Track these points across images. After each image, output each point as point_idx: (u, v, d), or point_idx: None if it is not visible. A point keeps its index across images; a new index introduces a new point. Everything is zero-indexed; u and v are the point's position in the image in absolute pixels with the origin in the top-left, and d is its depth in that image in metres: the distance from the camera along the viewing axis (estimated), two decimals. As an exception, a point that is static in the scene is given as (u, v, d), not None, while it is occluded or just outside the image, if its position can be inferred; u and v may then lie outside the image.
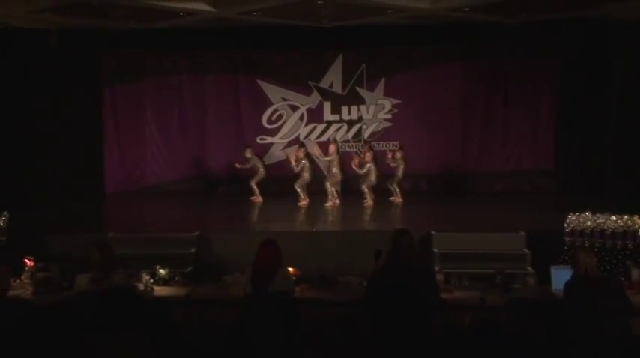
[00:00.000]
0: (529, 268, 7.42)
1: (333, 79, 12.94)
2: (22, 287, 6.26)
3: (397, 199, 11.46)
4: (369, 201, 11.04)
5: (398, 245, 5.10)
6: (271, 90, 13.02)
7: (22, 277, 6.44)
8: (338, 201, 11.08)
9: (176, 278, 6.59)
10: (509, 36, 11.72)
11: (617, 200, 9.27)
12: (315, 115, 13.01)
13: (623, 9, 10.15)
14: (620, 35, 11.01)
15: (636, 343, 4.62)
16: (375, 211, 10.72)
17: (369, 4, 9.92)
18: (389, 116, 12.95)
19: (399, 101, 12.90)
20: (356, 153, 12.11)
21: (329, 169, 11.27)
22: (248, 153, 11.71)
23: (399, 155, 11.48)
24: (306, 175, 11.10)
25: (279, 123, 13.08)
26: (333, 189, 11.13)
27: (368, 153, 11.15)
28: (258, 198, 11.67)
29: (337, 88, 12.97)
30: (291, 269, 5.86)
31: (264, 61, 12.94)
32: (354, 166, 11.13)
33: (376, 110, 12.95)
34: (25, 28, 11.06)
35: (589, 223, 7.63)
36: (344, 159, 11.52)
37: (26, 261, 6.57)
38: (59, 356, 3.59)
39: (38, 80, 11.63)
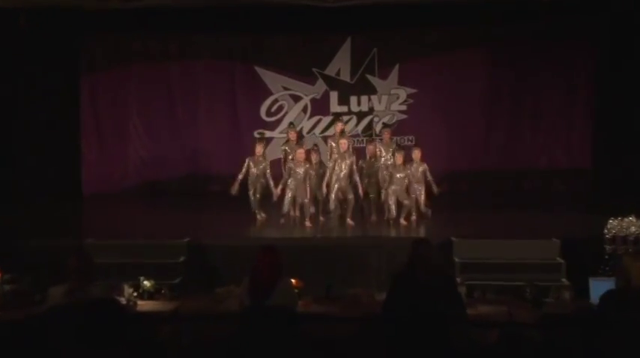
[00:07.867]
0: (564, 280, 7.42)
1: (341, 65, 12.96)
2: (-14, 301, 6.23)
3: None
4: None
5: (415, 256, 5.14)
6: (271, 79, 13.03)
7: (-13, 289, 6.41)
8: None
9: (162, 291, 6.57)
10: (539, 15, 11.65)
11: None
12: (320, 107, 13.02)
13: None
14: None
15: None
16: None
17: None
18: (403, 107, 12.97)
19: (414, 90, 12.90)
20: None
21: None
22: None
23: (418, 154, 10.13)
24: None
25: (279, 116, 13.08)
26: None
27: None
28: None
29: (345, 76, 12.98)
30: (293, 280, 5.83)
31: (262, 45, 12.96)
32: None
33: (389, 101, 12.96)
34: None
35: (633, 229, 7.60)
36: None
37: (-9, 271, 6.54)
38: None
39: (4, 65, 11.58)
